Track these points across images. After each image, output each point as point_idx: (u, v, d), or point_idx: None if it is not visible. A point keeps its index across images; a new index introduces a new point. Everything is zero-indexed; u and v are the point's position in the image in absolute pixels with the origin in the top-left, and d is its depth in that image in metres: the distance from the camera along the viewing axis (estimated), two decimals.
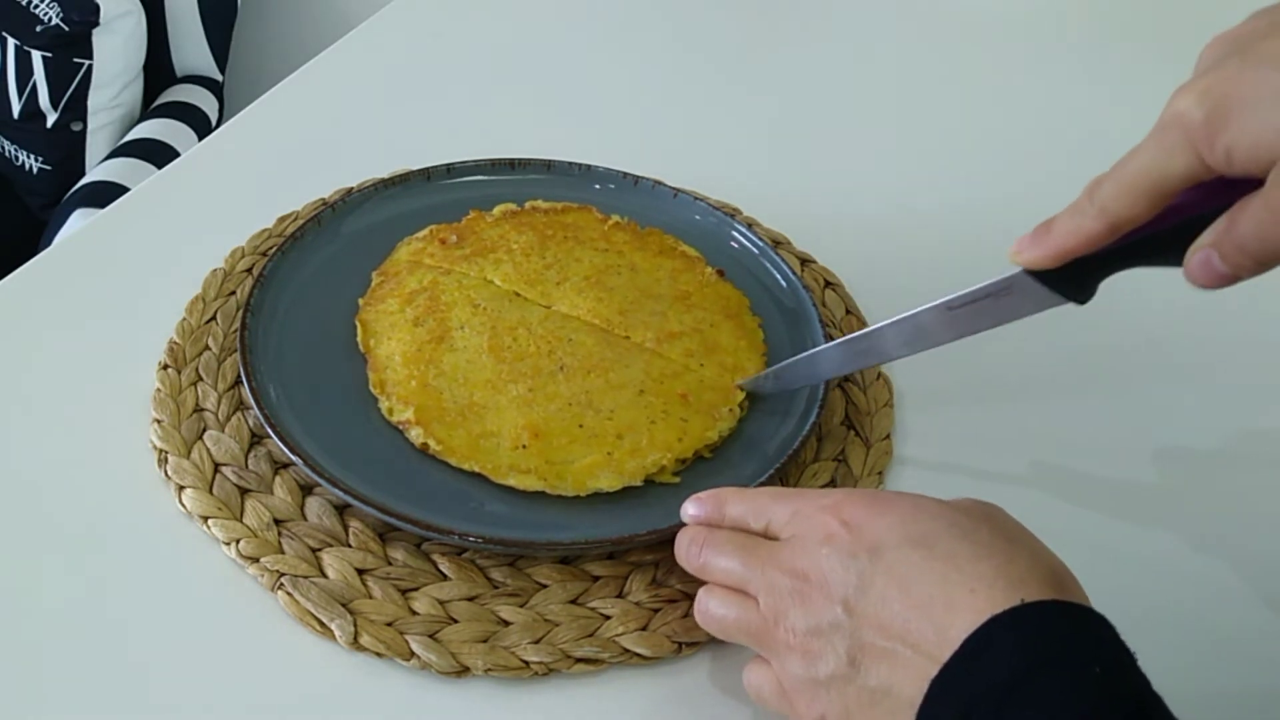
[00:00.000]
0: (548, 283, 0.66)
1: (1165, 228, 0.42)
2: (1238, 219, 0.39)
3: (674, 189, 0.73)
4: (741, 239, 0.71)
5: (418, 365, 0.60)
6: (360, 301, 0.65)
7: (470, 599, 0.54)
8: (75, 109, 1.46)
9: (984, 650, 0.40)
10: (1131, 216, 0.42)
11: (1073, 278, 0.46)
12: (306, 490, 0.57)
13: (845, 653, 0.43)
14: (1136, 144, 0.41)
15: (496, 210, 0.70)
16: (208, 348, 0.63)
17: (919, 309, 0.54)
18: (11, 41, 1.41)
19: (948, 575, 0.42)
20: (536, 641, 0.52)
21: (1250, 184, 0.39)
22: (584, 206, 0.71)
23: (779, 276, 0.69)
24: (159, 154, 1.46)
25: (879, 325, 0.57)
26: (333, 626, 0.52)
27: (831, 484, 0.60)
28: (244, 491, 0.57)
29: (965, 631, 0.40)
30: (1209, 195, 0.40)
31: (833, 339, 0.62)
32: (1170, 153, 0.40)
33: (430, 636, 0.52)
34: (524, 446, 0.57)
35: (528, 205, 0.71)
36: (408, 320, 0.63)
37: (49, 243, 1.24)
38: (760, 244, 0.71)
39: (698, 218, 0.73)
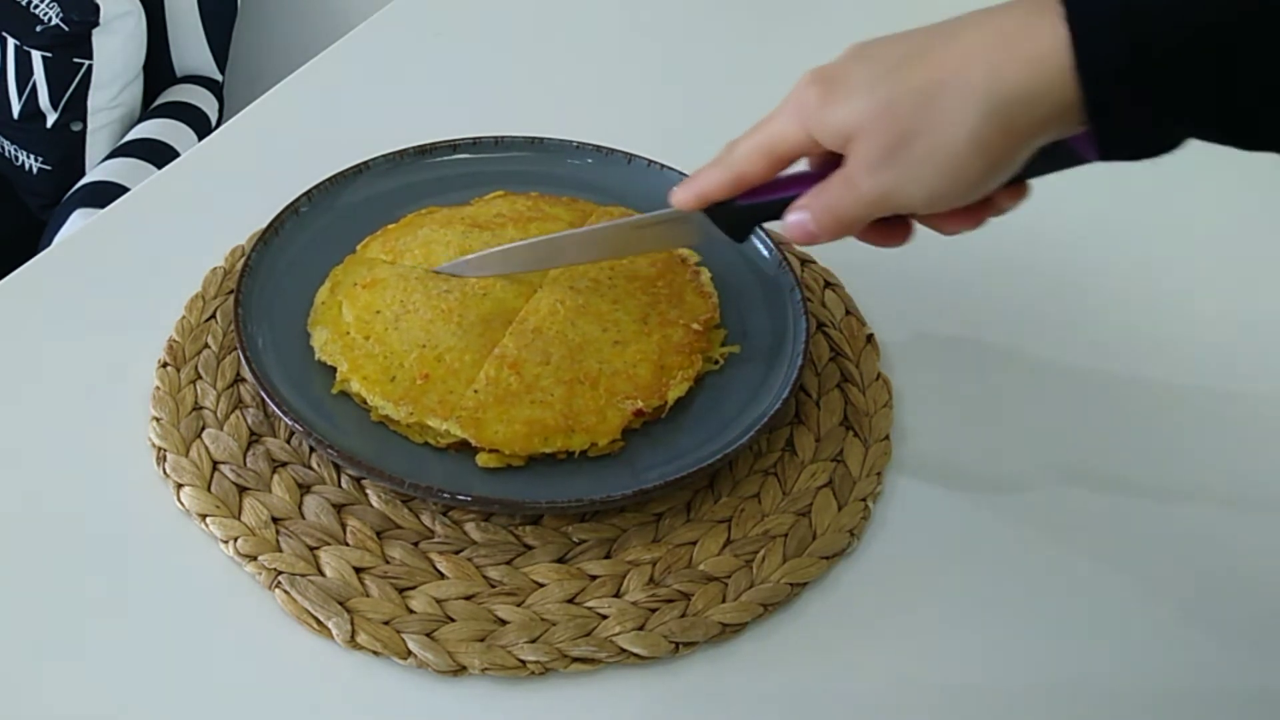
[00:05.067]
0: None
1: (793, 195, 0.50)
2: (825, 186, 0.47)
3: (648, 160, 0.73)
4: None
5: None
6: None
7: (467, 598, 0.54)
8: (75, 109, 1.46)
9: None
10: (751, 172, 0.50)
11: (728, 218, 0.54)
12: (305, 489, 0.57)
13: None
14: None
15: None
16: (207, 346, 0.63)
17: (607, 224, 0.63)
18: (11, 41, 1.41)
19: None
20: (533, 641, 0.52)
21: None
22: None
23: (760, 247, 0.69)
24: (159, 154, 1.46)
25: (568, 232, 0.63)
26: (330, 625, 0.52)
27: (829, 484, 0.60)
28: (242, 490, 0.57)
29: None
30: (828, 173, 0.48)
31: (808, 312, 0.65)
32: (786, 123, 0.48)
33: (427, 635, 0.52)
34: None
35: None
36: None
37: (49, 243, 1.24)
38: None
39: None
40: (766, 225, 0.70)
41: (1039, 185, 0.50)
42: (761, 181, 0.51)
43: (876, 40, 0.47)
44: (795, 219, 0.48)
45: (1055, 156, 0.45)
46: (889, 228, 0.50)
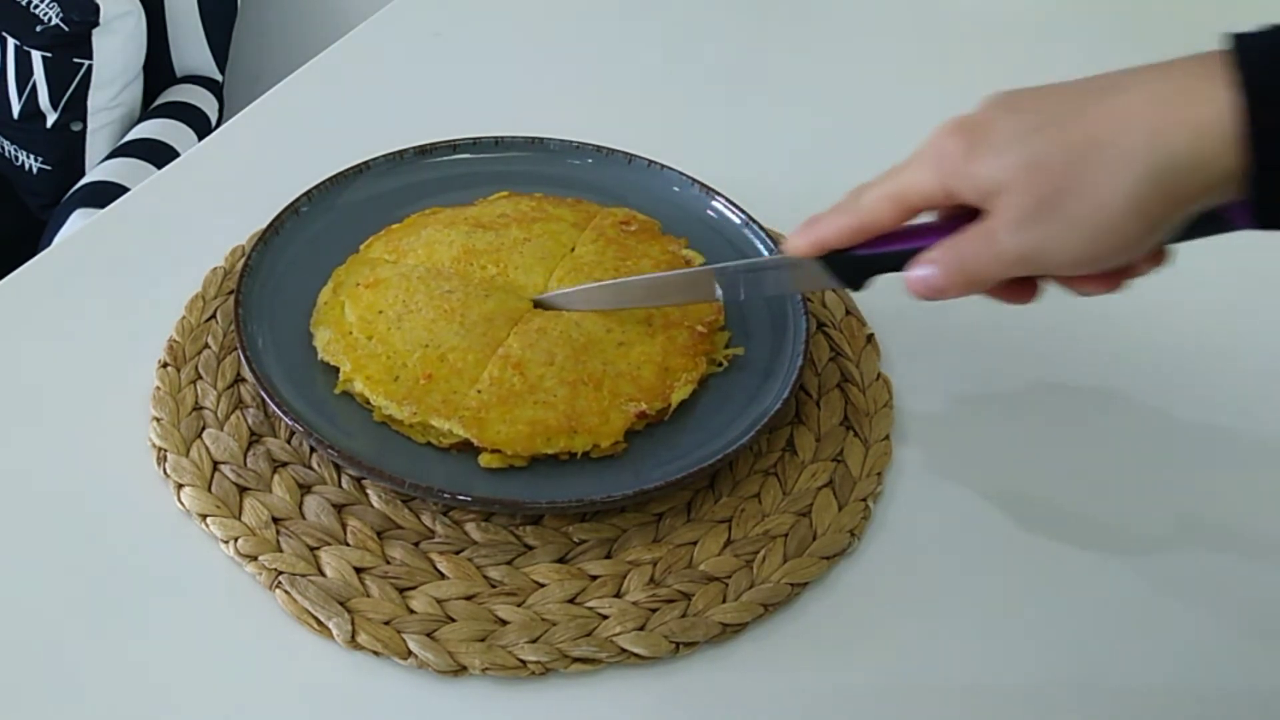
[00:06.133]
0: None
1: (919, 246, 0.48)
2: (961, 238, 0.45)
3: (648, 160, 0.74)
4: (722, 209, 0.72)
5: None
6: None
7: (468, 598, 0.54)
8: (75, 109, 1.46)
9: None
10: (878, 220, 0.48)
11: (846, 268, 0.52)
12: (305, 489, 0.57)
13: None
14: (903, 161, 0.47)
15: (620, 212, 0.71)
16: (207, 346, 0.63)
17: (721, 264, 0.59)
18: (11, 41, 1.41)
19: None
20: (534, 641, 0.52)
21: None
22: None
23: (760, 247, 0.69)
24: (159, 154, 1.46)
25: (677, 272, 0.61)
26: (330, 625, 0.52)
27: (830, 484, 0.60)
28: (242, 490, 0.57)
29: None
30: (959, 228, 0.46)
31: (808, 312, 0.64)
32: (921, 172, 0.46)
33: (428, 635, 0.52)
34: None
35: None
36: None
37: (49, 243, 1.24)
38: (741, 215, 0.71)
39: (676, 189, 0.73)
40: (766, 228, 0.71)
41: None
42: (887, 231, 0.49)
43: (1020, 92, 0.45)
44: (922, 273, 0.46)
45: (1205, 222, 0.43)
46: (1017, 286, 0.48)
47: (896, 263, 0.49)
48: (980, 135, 0.44)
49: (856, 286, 0.53)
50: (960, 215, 0.46)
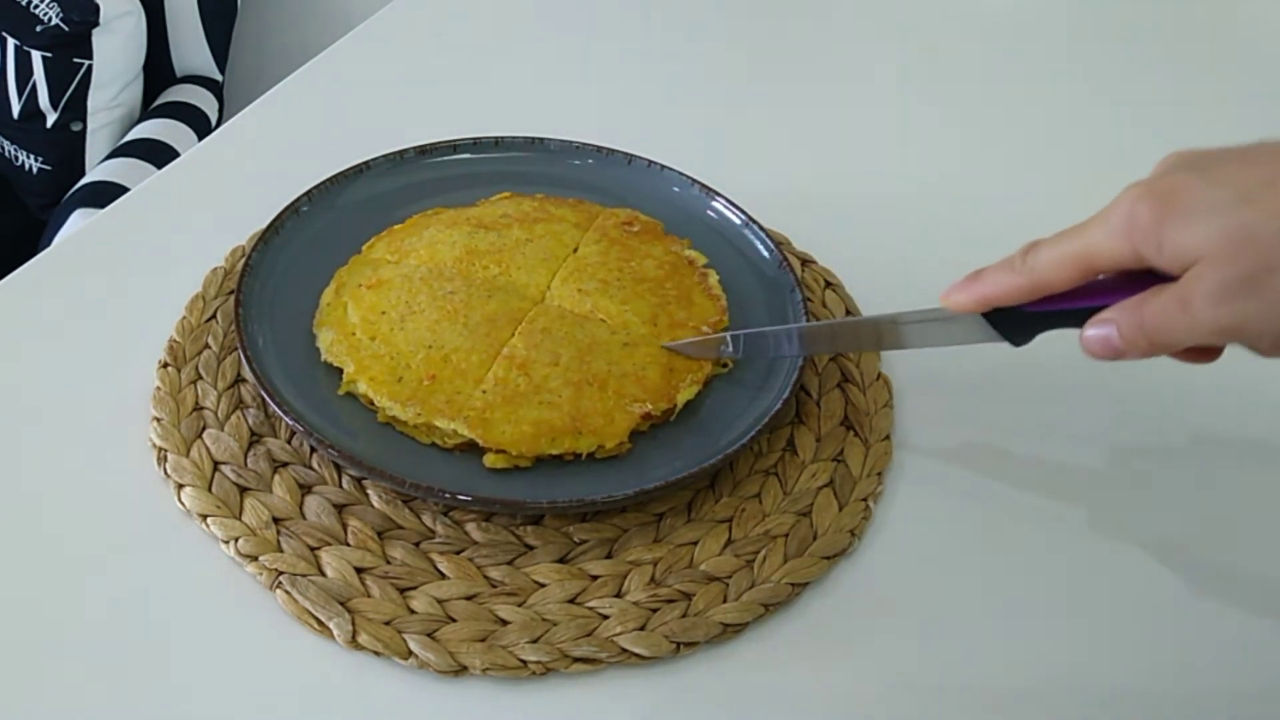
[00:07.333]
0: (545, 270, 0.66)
1: (1095, 305, 0.47)
2: (1148, 302, 0.44)
3: (648, 160, 0.74)
4: (722, 209, 0.72)
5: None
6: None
7: (468, 598, 0.54)
8: (75, 109, 1.46)
9: None
10: (1055, 282, 0.47)
11: (1012, 324, 0.51)
12: (306, 489, 0.57)
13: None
14: (1081, 221, 0.46)
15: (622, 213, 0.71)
16: (207, 346, 0.63)
17: (869, 316, 0.58)
18: (11, 41, 1.41)
19: None
20: (534, 641, 0.52)
21: (1166, 281, 0.44)
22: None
23: (760, 247, 0.70)
24: (159, 154, 1.46)
25: (829, 321, 0.59)
26: (331, 625, 0.52)
27: (830, 484, 0.60)
28: (243, 490, 0.57)
29: None
30: (1133, 286, 0.46)
31: (812, 312, 0.64)
32: (1109, 236, 0.45)
33: (428, 635, 0.52)
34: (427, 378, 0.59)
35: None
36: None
37: (49, 243, 1.24)
38: (741, 215, 0.71)
39: (676, 190, 0.73)
40: (766, 228, 0.71)
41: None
42: (1062, 291, 0.48)
43: (1207, 154, 0.44)
44: (1102, 333, 0.45)
45: None
46: (1200, 349, 0.47)
47: (1068, 320, 0.48)
48: (1174, 202, 0.43)
49: (1019, 343, 0.52)
50: (1136, 276, 0.45)
